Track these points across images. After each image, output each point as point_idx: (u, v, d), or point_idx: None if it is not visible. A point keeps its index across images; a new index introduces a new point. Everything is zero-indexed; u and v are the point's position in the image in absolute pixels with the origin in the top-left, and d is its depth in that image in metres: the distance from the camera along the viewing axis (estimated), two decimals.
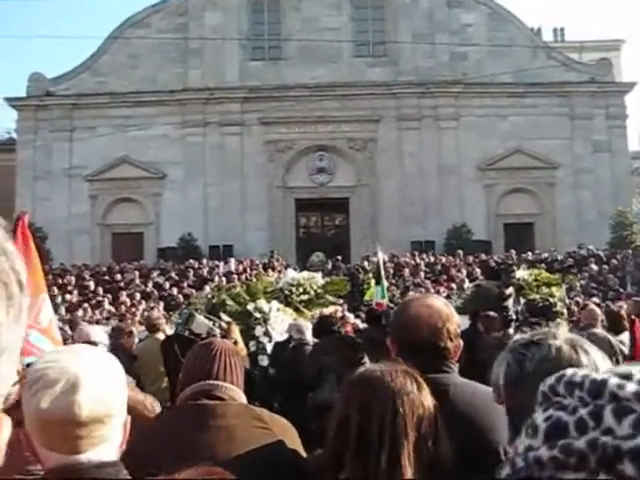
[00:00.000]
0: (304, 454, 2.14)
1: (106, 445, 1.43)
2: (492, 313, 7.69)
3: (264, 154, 28.62)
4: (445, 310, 2.16)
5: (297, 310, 9.94)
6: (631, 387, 0.73)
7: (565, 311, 7.94)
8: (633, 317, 5.75)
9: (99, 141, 27.67)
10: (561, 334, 1.56)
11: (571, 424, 0.74)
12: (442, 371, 2.08)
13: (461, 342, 2.19)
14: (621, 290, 19.49)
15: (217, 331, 5.43)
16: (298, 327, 6.81)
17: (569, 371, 0.81)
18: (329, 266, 21.88)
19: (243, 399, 2.18)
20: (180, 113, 28.52)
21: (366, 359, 5.07)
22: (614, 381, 0.75)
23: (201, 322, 5.61)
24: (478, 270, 20.08)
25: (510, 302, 8.43)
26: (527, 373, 1.50)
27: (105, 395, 1.43)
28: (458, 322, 2.20)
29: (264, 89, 28.39)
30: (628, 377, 0.75)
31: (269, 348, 7.66)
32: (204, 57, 28.79)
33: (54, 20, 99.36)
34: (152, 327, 7.21)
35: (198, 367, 2.18)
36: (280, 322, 8.06)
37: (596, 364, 1.47)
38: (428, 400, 1.69)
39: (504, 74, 27.45)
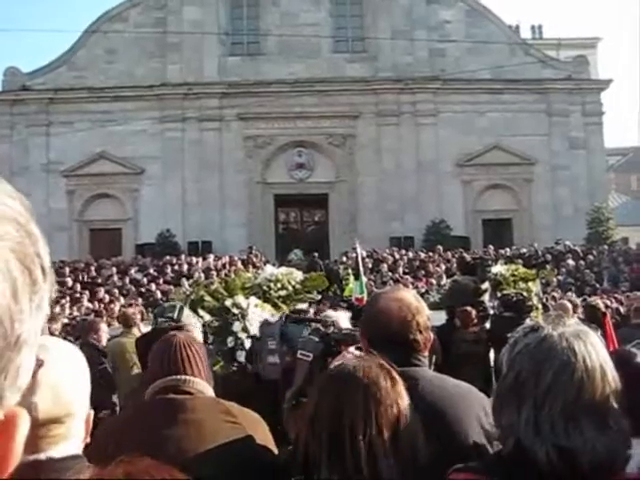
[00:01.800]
0: (275, 449, 2.11)
1: (67, 442, 1.40)
2: (468, 308, 7.75)
3: (243, 150, 28.51)
4: (414, 303, 2.15)
5: (275, 306, 9.92)
6: None
7: (540, 305, 8.02)
8: (604, 311, 5.82)
9: (76, 136, 27.38)
10: (567, 324, 1.56)
11: None
12: (412, 364, 2.08)
13: (431, 335, 2.19)
14: (597, 285, 19.71)
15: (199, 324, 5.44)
16: None
17: None
18: (307, 263, 21.82)
19: (211, 392, 2.16)
20: (158, 108, 28.30)
21: None
22: None
23: (189, 314, 5.62)
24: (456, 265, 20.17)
25: (486, 297, 8.47)
26: (513, 355, 1.54)
27: (65, 394, 1.38)
28: (428, 315, 2.20)
29: (243, 84, 28.29)
30: None
31: (247, 344, 7.65)
32: (183, 52, 28.59)
33: (30, 14, 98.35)
34: (127, 323, 7.19)
35: (162, 362, 2.15)
36: (258, 318, 8.05)
37: (585, 359, 1.47)
38: (402, 396, 1.65)
39: (482, 70, 27.55)
